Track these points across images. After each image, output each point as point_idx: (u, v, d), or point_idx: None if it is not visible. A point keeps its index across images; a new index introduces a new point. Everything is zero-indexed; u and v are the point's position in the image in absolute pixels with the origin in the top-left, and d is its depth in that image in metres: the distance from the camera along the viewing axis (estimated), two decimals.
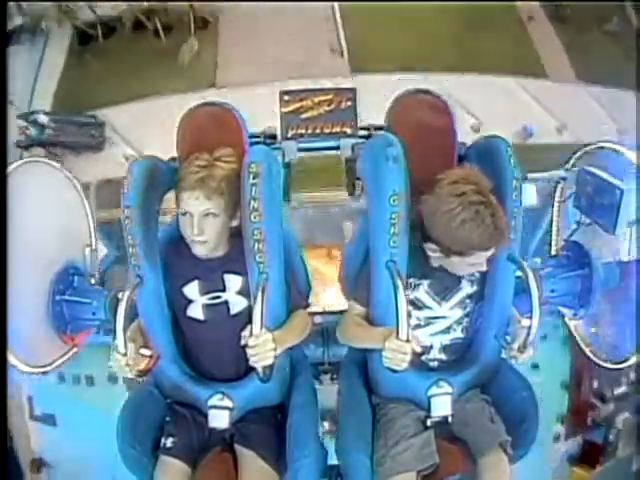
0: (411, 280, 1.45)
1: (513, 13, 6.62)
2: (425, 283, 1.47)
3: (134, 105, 5.45)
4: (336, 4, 6.80)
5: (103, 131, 5.31)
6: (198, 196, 1.35)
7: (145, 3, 6.32)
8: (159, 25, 6.33)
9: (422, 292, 1.47)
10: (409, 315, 1.41)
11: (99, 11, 6.44)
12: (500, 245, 1.34)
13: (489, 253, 1.34)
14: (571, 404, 3.23)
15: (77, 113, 5.17)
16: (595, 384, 3.26)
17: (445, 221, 1.29)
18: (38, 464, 3.30)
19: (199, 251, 1.43)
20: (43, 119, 4.93)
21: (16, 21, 5.92)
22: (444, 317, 1.49)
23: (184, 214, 1.39)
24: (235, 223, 1.44)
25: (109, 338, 2.51)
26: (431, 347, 1.51)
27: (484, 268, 1.39)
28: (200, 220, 1.37)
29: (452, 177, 1.33)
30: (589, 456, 3.35)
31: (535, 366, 2.68)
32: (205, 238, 1.39)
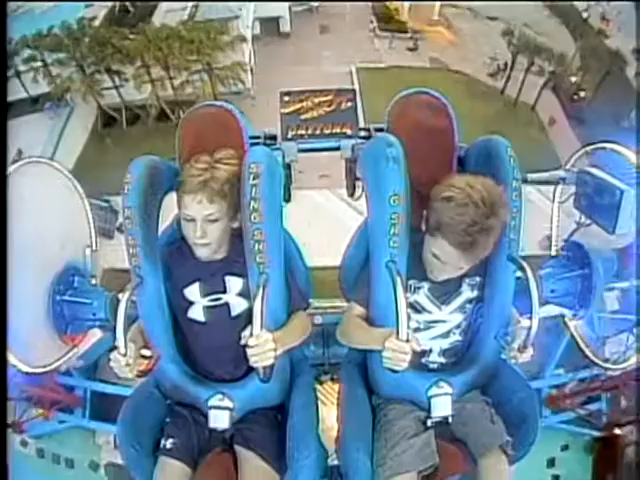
0: (411, 282, 1.45)
1: (534, 115, 6.60)
2: (425, 286, 1.46)
3: None
4: (355, 80, 6.80)
5: (115, 219, 5.16)
6: (201, 200, 1.36)
7: (171, 92, 6.27)
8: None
9: (422, 295, 1.47)
10: (409, 318, 1.41)
11: (125, 95, 6.43)
12: (461, 261, 1.33)
13: (448, 255, 1.32)
14: None
15: (91, 196, 5.23)
16: None
17: (438, 191, 1.33)
18: None
19: (202, 254, 1.44)
20: None
21: (42, 87, 5.91)
22: (444, 321, 1.49)
23: (187, 218, 1.39)
24: (236, 224, 1.44)
25: (95, 423, 2.52)
26: (430, 351, 1.51)
27: (443, 276, 1.38)
28: (203, 224, 1.38)
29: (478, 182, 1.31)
30: None
31: (556, 478, 2.66)
32: (208, 241, 1.40)
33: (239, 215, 1.43)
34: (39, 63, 5.51)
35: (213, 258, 1.47)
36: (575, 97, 6.06)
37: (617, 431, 2.75)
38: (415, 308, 1.47)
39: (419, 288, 1.47)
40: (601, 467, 2.99)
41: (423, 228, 1.40)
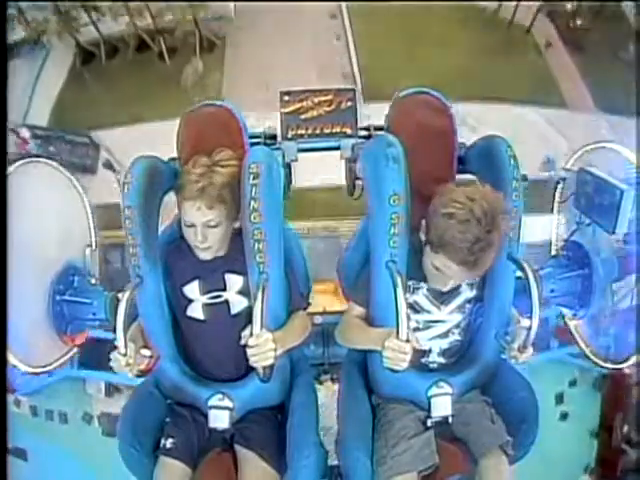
0: (410, 283, 1.45)
1: (530, 39, 6.53)
2: (425, 286, 1.47)
3: (133, 128, 5.25)
4: (348, 27, 6.71)
5: (98, 153, 5.06)
6: (200, 206, 1.36)
7: (150, 22, 6.14)
8: (164, 47, 6.26)
9: (421, 295, 1.47)
10: (408, 318, 1.41)
11: (103, 29, 6.28)
12: (464, 277, 1.33)
13: (451, 270, 1.30)
14: (600, 453, 3.02)
15: (73, 132, 5.00)
16: (625, 428, 3.01)
17: (439, 205, 1.30)
18: None
19: (204, 256, 1.45)
20: (25, 134, 4.76)
21: (18, 34, 5.80)
22: (443, 321, 1.49)
23: (187, 224, 1.40)
24: (238, 225, 1.45)
25: (85, 372, 2.48)
26: (430, 351, 1.51)
27: (445, 287, 1.37)
28: (203, 229, 1.38)
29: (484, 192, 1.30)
30: None
31: (564, 416, 2.57)
32: (209, 245, 1.41)
33: (240, 215, 1.43)
34: (13, 11, 5.32)
35: (212, 256, 1.47)
36: (571, 24, 5.97)
37: (625, 369, 2.50)
38: (414, 308, 1.47)
39: (418, 289, 1.47)
40: (609, 405, 2.90)
41: (422, 237, 1.38)
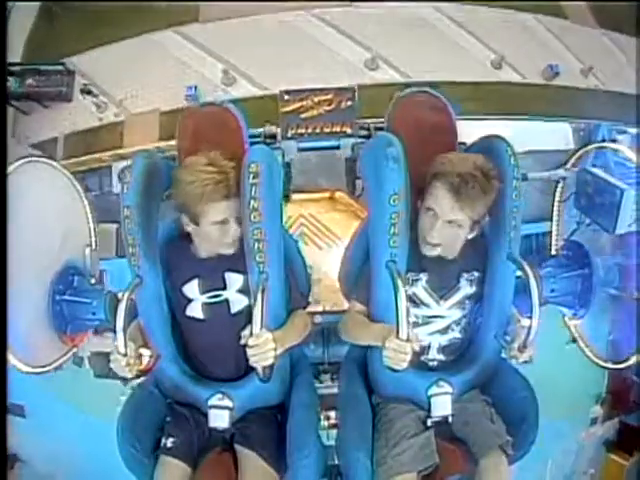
0: (409, 275, 1.45)
1: None
2: (423, 278, 1.47)
3: (106, 49, 5.05)
4: None
5: (72, 80, 4.84)
6: (229, 204, 1.37)
7: None
8: None
9: (420, 288, 1.47)
10: (408, 316, 1.42)
11: None
12: (455, 210, 1.34)
13: (440, 203, 1.34)
14: (610, 383, 2.99)
15: (45, 62, 4.87)
16: (634, 358, 3.01)
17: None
18: (12, 460, 3.18)
19: (229, 250, 1.45)
20: None
21: None
22: (442, 317, 1.49)
23: (217, 222, 1.39)
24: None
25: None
26: (429, 347, 1.51)
27: (433, 233, 1.38)
28: (234, 223, 1.40)
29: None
30: (626, 441, 3.15)
31: (574, 340, 2.41)
32: (235, 238, 1.43)
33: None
34: None
35: (212, 255, 1.47)
36: None
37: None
38: (413, 301, 1.47)
39: (417, 280, 1.47)
40: None
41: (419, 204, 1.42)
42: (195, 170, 1.37)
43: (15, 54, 5.25)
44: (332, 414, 1.89)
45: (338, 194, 3.69)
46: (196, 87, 5.15)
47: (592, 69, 4.92)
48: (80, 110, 4.75)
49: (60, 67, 4.94)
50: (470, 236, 1.43)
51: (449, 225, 1.36)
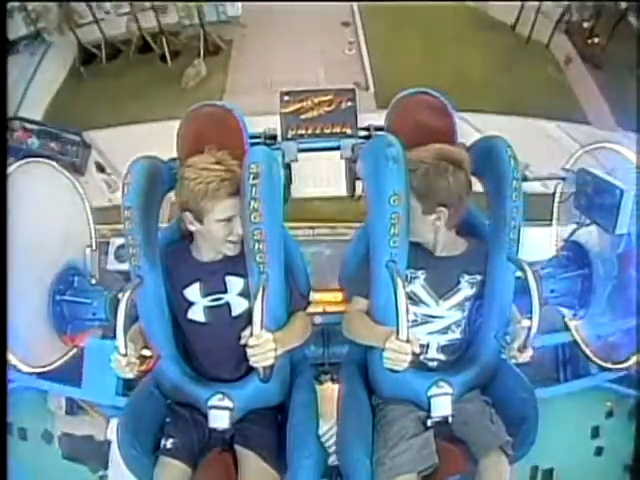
0: (407, 272, 1.45)
1: (548, 55, 6.39)
2: (421, 276, 1.47)
3: (126, 129, 5.02)
4: (361, 33, 6.45)
5: (88, 154, 4.81)
6: (234, 202, 1.39)
7: (154, 23, 5.87)
8: (166, 48, 6.08)
9: (418, 286, 1.47)
10: (408, 314, 1.42)
11: (106, 29, 6.10)
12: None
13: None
14: None
15: (64, 129, 4.85)
16: None
17: None
18: None
19: (233, 251, 1.46)
20: (16, 125, 4.53)
21: (18, 27, 5.63)
22: (441, 317, 1.49)
23: (222, 219, 1.40)
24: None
25: (43, 383, 2.24)
26: (428, 346, 1.51)
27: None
28: (236, 220, 1.41)
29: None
30: None
31: (599, 451, 2.49)
32: (240, 236, 1.43)
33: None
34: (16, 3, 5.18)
35: (213, 259, 1.47)
36: (589, 42, 5.91)
37: None
38: (412, 299, 1.47)
39: (415, 278, 1.47)
40: None
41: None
42: (201, 168, 1.39)
43: (35, 114, 5.22)
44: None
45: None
46: None
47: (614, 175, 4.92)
48: (90, 187, 4.67)
49: (77, 138, 4.86)
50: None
51: None
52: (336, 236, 3.14)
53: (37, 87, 5.62)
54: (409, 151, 1.41)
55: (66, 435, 2.61)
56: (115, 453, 2.33)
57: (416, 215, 1.41)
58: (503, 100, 5.36)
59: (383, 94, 5.43)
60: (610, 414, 2.54)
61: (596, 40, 6.09)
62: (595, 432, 2.56)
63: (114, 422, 2.30)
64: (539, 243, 2.13)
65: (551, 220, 2.22)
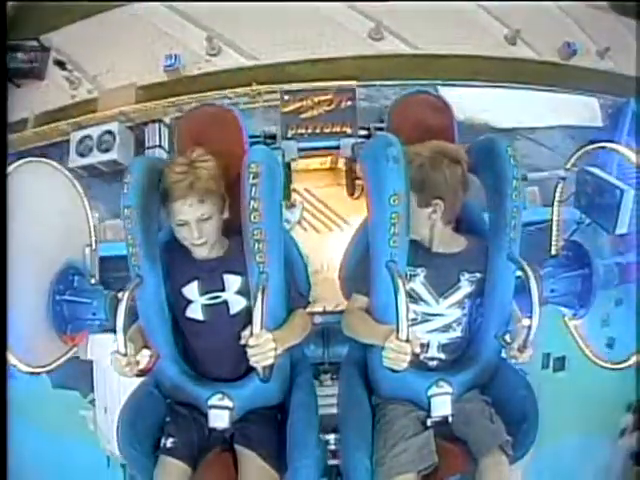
0: (407, 269, 1.45)
1: None
2: (421, 274, 1.47)
3: (85, 23, 4.77)
4: None
5: (47, 57, 4.63)
6: (191, 203, 1.36)
7: None
8: None
9: (418, 283, 1.47)
10: (408, 312, 1.42)
11: None
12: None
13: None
14: None
15: (20, 38, 4.65)
16: None
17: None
18: None
19: (201, 253, 1.45)
20: None
21: None
22: (442, 315, 1.49)
23: (180, 223, 1.39)
24: (226, 215, 1.47)
25: None
26: (428, 345, 1.51)
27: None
28: (198, 224, 1.38)
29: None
30: None
31: (610, 344, 2.36)
32: (205, 239, 1.41)
33: (226, 206, 1.46)
34: None
35: (211, 256, 1.47)
36: None
37: None
38: (412, 297, 1.47)
39: (415, 275, 1.47)
40: None
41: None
42: (168, 168, 1.40)
43: None
44: (331, 438, 1.80)
45: (342, 163, 3.04)
46: (177, 56, 4.87)
47: (608, 50, 4.84)
48: (52, 88, 4.51)
49: (34, 43, 4.61)
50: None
51: None
52: None
53: None
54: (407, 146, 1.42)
55: None
56: (98, 372, 2.25)
57: (412, 208, 1.41)
58: None
59: None
60: (620, 302, 2.43)
61: None
62: (605, 322, 2.48)
63: (93, 338, 2.19)
64: None
65: (551, 220, 2.22)
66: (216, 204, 1.41)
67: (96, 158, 4.56)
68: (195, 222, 1.38)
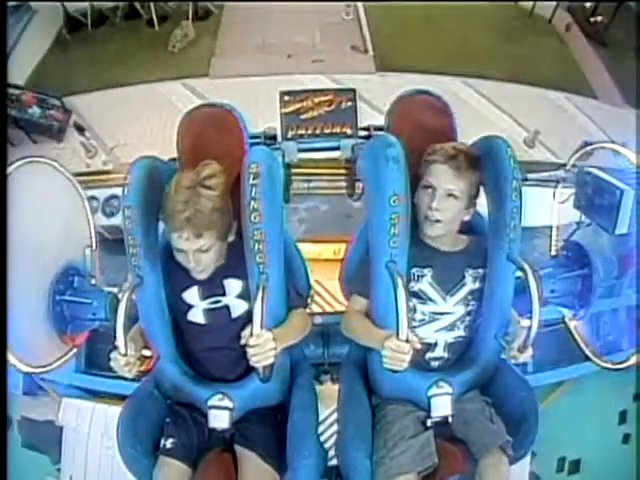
0: (414, 270, 1.46)
1: (552, 28, 6.22)
2: (428, 274, 1.47)
3: (108, 92, 4.83)
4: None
5: (68, 119, 4.61)
6: (188, 237, 1.31)
7: None
8: (154, 13, 5.87)
9: (426, 284, 1.48)
10: (414, 310, 1.43)
11: None
12: (452, 181, 1.41)
13: (440, 174, 1.42)
14: None
15: (44, 93, 4.67)
16: None
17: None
18: None
19: (200, 277, 1.43)
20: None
21: None
22: (449, 313, 1.49)
23: (177, 249, 1.36)
24: (232, 238, 1.42)
25: None
26: (436, 344, 1.51)
27: (433, 206, 1.42)
28: (195, 255, 1.35)
29: None
30: None
31: (626, 439, 2.41)
32: (202, 268, 1.40)
33: (234, 228, 1.42)
34: None
35: (209, 274, 1.45)
36: (591, 20, 5.94)
37: None
38: (420, 297, 1.48)
39: (422, 276, 1.48)
40: None
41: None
42: (172, 188, 1.32)
43: (20, 80, 5.05)
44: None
45: None
46: None
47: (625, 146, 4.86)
48: (68, 153, 4.47)
49: (57, 102, 4.65)
50: (466, 217, 1.48)
51: (447, 198, 1.42)
52: (333, 190, 3.01)
53: (21, 55, 5.37)
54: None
55: (25, 420, 2.36)
56: (67, 439, 2.17)
57: (459, 206, 1.44)
58: (507, 69, 5.24)
59: (382, 56, 5.35)
60: (638, 397, 2.45)
61: (599, 19, 6.07)
62: (622, 418, 2.46)
63: (66, 403, 2.17)
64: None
65: (551, 220, 2.22)
66: (217, 235, 1.36)
67: (99, 221, 4.41)
68: (192, 253, 1.35)
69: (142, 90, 4.71)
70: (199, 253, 1.35)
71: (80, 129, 4.54)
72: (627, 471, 2.05)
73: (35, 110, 4.53)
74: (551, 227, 2.15)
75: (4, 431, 1.83)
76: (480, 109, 4.96)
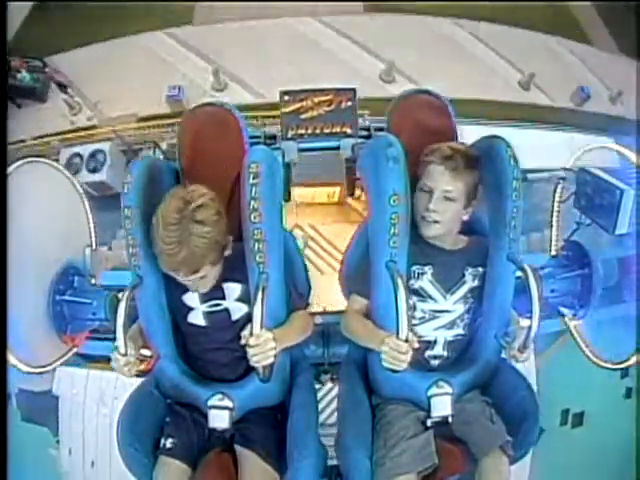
0: (414, 268, 1.46)
1: None
2: (429, 272, 1.48)
3: (91, 48, 4.78)
4: None
5: (49, 78, 4.61)
6: (185, 274, 1.30)
7: None
8: None
9: (426, 281, 1.48)
10: (414, 307, 1.43)
11: None
12: (449, 182, 1.41)
13: (437, 175, 1.42)
14: None
15: (26, 56, 4.66)
16: None
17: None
18: None
19: (201, 291, 1.43)
20: None
21: None
22: (448, 311, 1.50)
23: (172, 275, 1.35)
24: (228, 252, 1.41)
25: None
26: (435, 342, 1.51)
27: (431, 205, 1.42)
28: (193, 282, 1.35)
29: None
30: None
31: (628, 393, 2.45)
32: (202, 290, 1.41)
33: (230, 243, 1.40)
34: None
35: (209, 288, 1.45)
36: None
37: None
38: (420, 295, 1.48)
39: (422, 274, 1.48)
40: None
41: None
42: (159, 229, 1.26)
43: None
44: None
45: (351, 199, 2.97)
46: (181, 88, 4.77)
47: (621, 95, 4.84)
48: (53, 112, 4.47)
49: (38, 63, 4.70)
50: (465, 217, 1.48)
51: (444, 199, 1.42)
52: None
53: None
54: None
55: (23, 392, 2.34)
56: (63, 410, 2.18)
57: (457, 207, 1.44)
58: (500, 8, 5.25)
59: None
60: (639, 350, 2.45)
61: None
62: (625, 371, 2.44)
63: (60, 371, 2.16)
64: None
65: (551, 220, 2.22)
66: (214, 260, 1.34)
67: (83, 178, 4.29)
68: (191, 281, 1.35)
69: (124, 43, 4.67)
70: (197, 280, 1.35)
71: (63, 87, 4.50)
72: (629, 424, 2.03)
73: (24, 75, 4.49)
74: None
75: (4, 431, 1.83)
76: (475, 51, 4.91)
